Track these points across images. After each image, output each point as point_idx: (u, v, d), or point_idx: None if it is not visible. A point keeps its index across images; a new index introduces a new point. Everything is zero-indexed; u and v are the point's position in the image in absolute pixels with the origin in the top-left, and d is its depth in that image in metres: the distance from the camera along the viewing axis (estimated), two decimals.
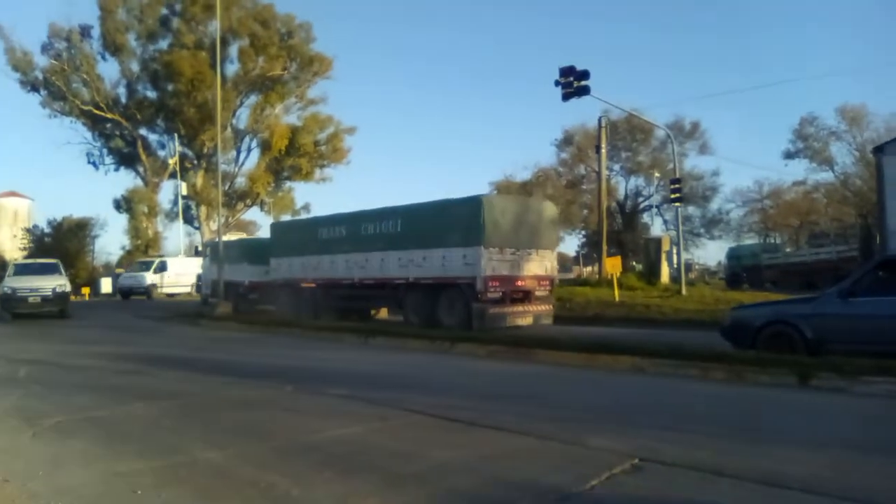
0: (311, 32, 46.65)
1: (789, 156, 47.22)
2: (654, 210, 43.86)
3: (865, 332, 9.08)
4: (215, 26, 34.44)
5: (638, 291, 23.47)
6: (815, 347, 9.19)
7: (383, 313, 20.44)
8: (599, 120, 28.24)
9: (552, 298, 17.75)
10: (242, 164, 49.20)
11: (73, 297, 36.69)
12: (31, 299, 21.67)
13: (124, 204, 45.95)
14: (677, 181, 25.25)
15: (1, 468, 4.91)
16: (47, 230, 47.45)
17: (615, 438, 5.49)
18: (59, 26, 44.02)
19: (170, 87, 43.93)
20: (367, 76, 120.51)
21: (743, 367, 8.65)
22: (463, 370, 10.37)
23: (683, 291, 22.84)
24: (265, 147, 46.55)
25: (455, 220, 16.40)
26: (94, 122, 45.95)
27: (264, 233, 35.16)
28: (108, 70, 53.02)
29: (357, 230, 19.08)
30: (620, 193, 43.26)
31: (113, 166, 48.60)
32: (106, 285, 44.98)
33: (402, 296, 17.79)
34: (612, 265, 23.64)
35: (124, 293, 38.90)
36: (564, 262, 65.60)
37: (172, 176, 46.53)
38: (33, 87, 44.95)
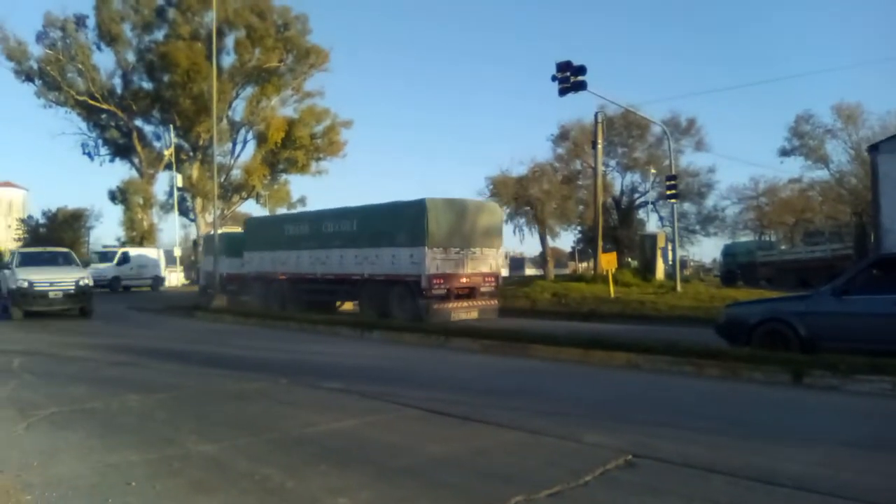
0: (307, 24, 46.46)
1: (785, 153, 47.30)
2: (650, 206, 43.84)
3: (859, 331, 9.10)
4: (211, 17, 34.42)
5: (633, 288, 23.53)
6: (809, 345, 9.21)
7: (348, 306, 21.29)
8: (596, 115, 28.23)
9: (497, 294, 18.78)
10: (238, 156, 49.01)
11: None
12: (51, 294, 18.21)
13: (119, 195, 45.73)
14: (673, 178, 25.26)
15: None
16: (42, 221, 47.33)
17: (609, 434, 5.50)
18: (55, 16, 43.76)
19: (165, 78, 43.67)
20: (364, 70, 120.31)
21: (737, 364, 8.68)
22: (457, 364, 10.39)
23: (678, 288, 22.88)
24: (261, 139, 46.37)
25: (403, 222, 17.55)
26: (90, 113, 45.69)
27: None
28: (104, 60, 52.60)
29: (319, 228, 20.48)
30: (616, 189, 43.21)
31: (108, 157, 48.37)
32: None
33: (359, 290, 19.06)
34: (608, 261, 23.67)
35: None
36: (560, 258, 65.83)
37: (168, 167, 46.32)
38: (28, 77, 44.66)
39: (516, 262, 73.81)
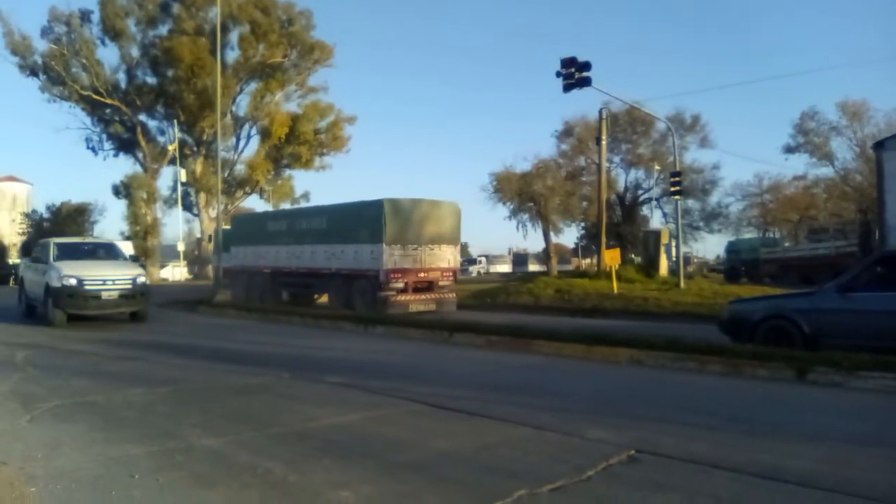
0: (311, 20, 46.48)
1: (789, 150, 47.12)
2: (654, 203, 43.77)
3: (863, 328, 9.07)
4: (215, 12, 34.35)
5: (636, 284, 23.42)
6: (813, 342, 9.18)
7: (324, 298, 21.99)
8: (600, 112, 28.12)
9: (455, 287, 20.04)
10: (242, 151, 49.11)
11: None
12: (104, 295, 14.86)
13: (123, 190, 45.79)
14: (677, 174, 25.16)
15: (0, 451, 4.93)
16: (46, 215, 47.38)
17: (612, 430, 5.50)
18: (59, 10, 43.83)
19: (170, 73, 43.75)
20: (368, 66, 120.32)
21: (741, 360, 8.65)
22: (461, 360, 10.38)
23: (682, 284, 22.79)
24: (265, 134, 46.41)
25: (364, 221, 18.79)
26: (94, 108, 45.77)
27: None
28: (108, 55, 52.95)
29: (294, 225, 22.02)
30: (620, 186, 43.14)
31: (112, 152, 48.48)
32: None
33: (327, 283, 20.43)
34: (611, 257, 23.61)
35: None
36: (563, 254, 65.74)
37: (172, 162, 46.40)
38: (32, 72, 44.73)
39: (519, 258, 73.88)
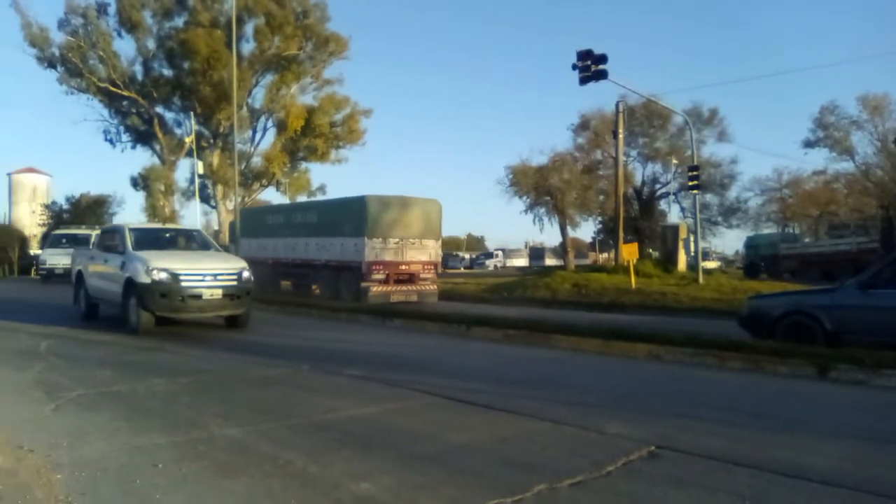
0: (326, 12, 46.34)
1: (809, 145, 46.50)
2: (672, 197, 43.40)
3: (885, 325, 8.98)
4: (231, 4, 34.44)
5: (654, 279, 23.33)
6: (835, 339, 9.11)
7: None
8: (617, 105, 27.93)
9: (436, 280, 21.07)
10: (258, 143, 49.14)
11: None
12: (207, 294, 11.82)
13: (141, 182, 46.03)
14: (695, 168, 24.99)
15: (25, 439, 5.00)
16: (66, 207, 47.80)
17: (631, 425, 5.49)
18: (76, 3, 43.88)
19: (186, 66, 43.84)
20: (384, 59, 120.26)
21: (761, 356, 8.61)
22: (479, 353, 10.40)
23: (700, 280, 22.69)
24: (281, 127, 46.46)
25: (349, 215, 19.88)
26: (111, 100, 45.99)
27: None
28: (125, 47, 53.10)
29: (290, 219, 23.47)
30: (637, 180, 42.86)
31: (130, 144, 48.66)
32: None
33: (317, 274, 21.63)
34: (629, 252, 23.49)
35: (46, 275, 30.75)
36: (580, 249, 65.49)
37: (189, 154, 46.46)
38: (50, 64, 44.97)
39: (536, 252, 73.61)
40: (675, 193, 42.93)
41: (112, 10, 44.68)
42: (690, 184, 25.41)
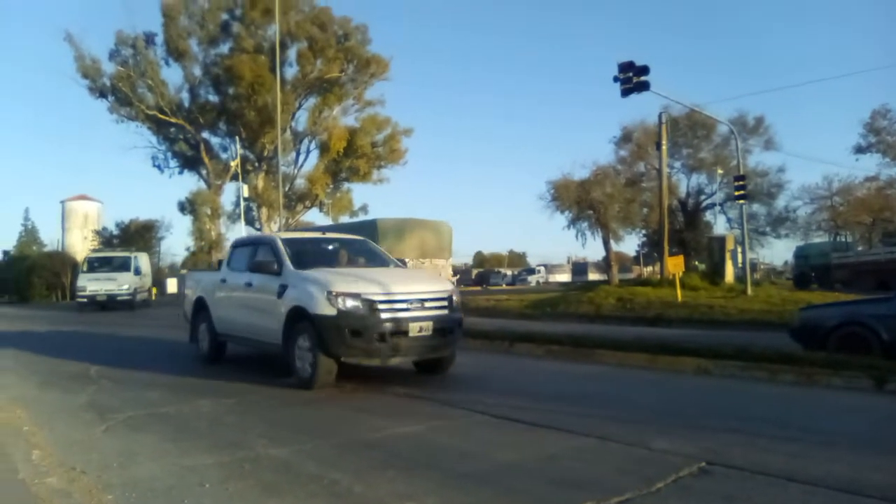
0: (367, 34, 47.04)
1: (860, 150, 45.32)
2: (717, 208, 42.61)
3: None
4: (274, 30, 35.23)
5: (701, 291, 22.88)
6: (892, 350, 8.80)
7: None
8: (660, 116, 27.57)
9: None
10: (301, 165, 49.91)
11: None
12: (413, 329, 7.99)
13: (188, 206, 47.12)
14: (741, 178, 24.54)
15: (78, 460, 5.11)
16: (116, 232, 49.15)
17: (680, 440, 5.36)
18: (125, 34, 45.44)
19: (231, 91, 44.88)
20: (424, 78, 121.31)
21: (814, 369, 8.35)
22: (523, 370, 10.31)
23: (749, 291, 22.18)
24: (324, 149, 47.11)
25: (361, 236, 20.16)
26: (159, 127, 47.27)
27: None
28: (172, 75, 54.52)
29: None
30: (682, 191, 42.24)
31: (177, 169, 49.90)
32: (171, 286, 46.36)
33: None
34: (675, 265, 23.08)
35: (87, 303, 29.37)
36: (624, 263, 64.70)
37: (234, 178, 47.43)
38: (101, 94, 46.47)
39: (579, 267, 73.01)
40: (720, 204, 42.17)
41: (159, 39, 46.07)
42: (737, 194, 24.95)
